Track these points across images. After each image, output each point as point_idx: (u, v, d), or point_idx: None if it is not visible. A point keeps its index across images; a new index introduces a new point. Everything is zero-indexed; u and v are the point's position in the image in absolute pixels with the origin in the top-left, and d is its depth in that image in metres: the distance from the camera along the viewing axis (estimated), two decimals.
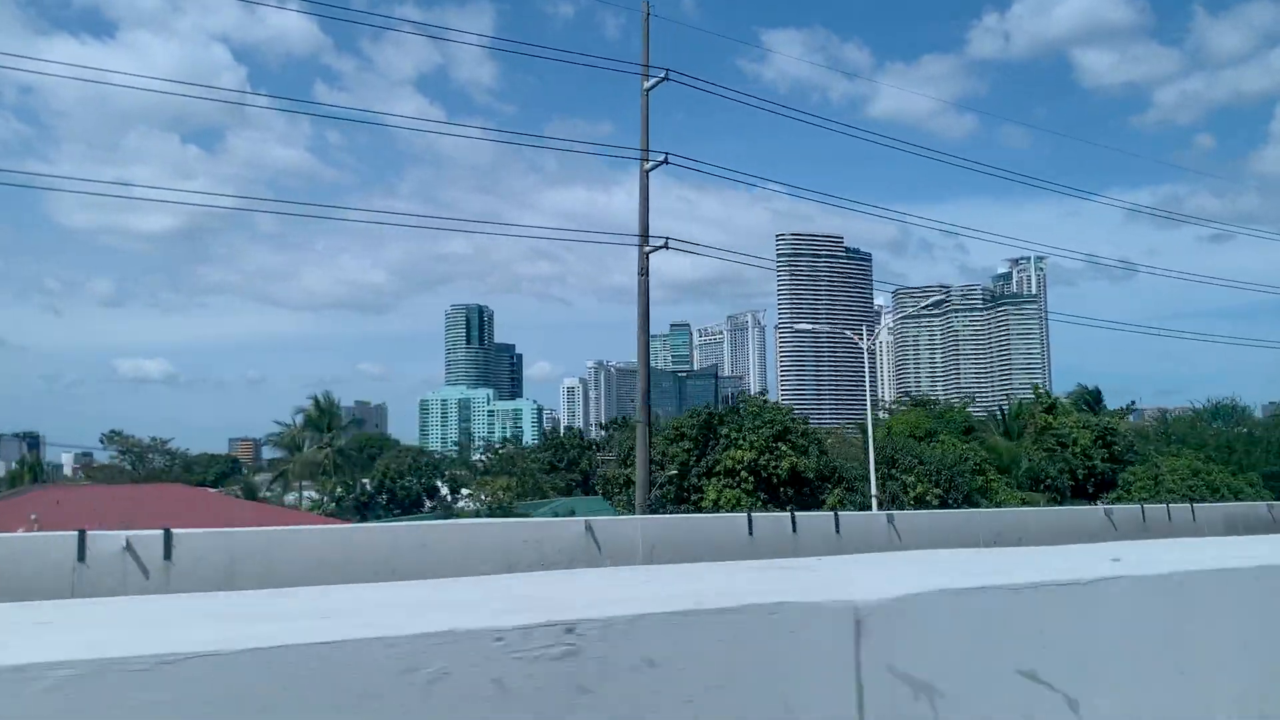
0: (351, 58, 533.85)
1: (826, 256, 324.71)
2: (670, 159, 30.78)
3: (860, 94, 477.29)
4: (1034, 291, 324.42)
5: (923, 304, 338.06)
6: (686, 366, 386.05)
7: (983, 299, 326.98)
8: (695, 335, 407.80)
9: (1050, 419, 45.70)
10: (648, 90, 29.69)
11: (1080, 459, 43.06)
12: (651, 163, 29.33)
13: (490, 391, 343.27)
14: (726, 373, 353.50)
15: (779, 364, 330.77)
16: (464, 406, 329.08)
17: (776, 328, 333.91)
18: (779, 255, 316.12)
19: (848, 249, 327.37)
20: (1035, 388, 55.61)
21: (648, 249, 28.67)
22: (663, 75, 29.94)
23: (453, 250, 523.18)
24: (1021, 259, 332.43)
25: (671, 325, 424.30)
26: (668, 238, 29.06)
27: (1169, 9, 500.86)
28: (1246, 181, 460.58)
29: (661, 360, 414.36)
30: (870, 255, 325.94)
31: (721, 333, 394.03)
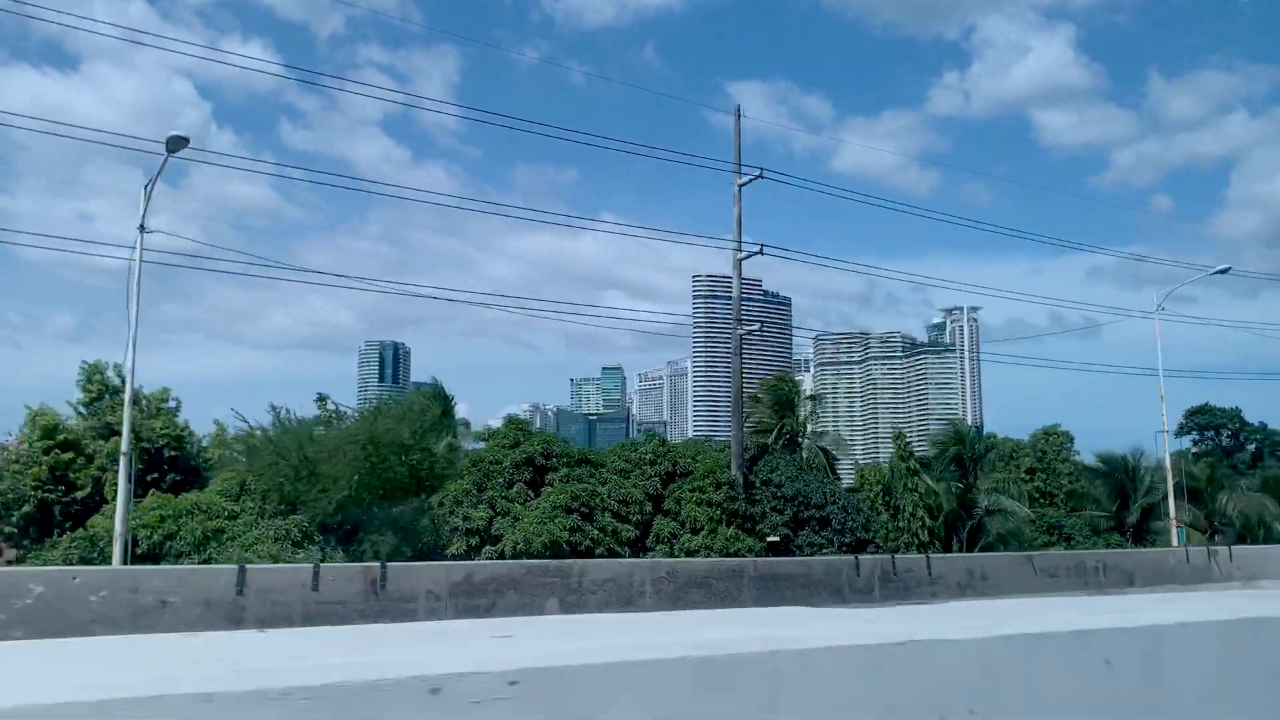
0: (316, 97, 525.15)
1: (744, 299, 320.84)
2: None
3: (824, 146, 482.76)
4: (968, 341, 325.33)
5: (843, 351, 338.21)
6: (615, 410, 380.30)
7: (902, 348, 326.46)
8: (636, 380, 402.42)
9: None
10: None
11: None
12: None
13: None
14: (663, 418, 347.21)
15: (691, 406, 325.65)
16: None
17: (690, 371, 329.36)
18: (695, 297, 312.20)
19: (766, 292, 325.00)
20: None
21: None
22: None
23: (421, 292, 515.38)
24: (955, 309, 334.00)
25: (604, 369, 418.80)
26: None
27: (1125, 74, 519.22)
28: (1204, 244, 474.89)
29: (592, 403, 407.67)
30: (790, 300, 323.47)
31: (661, 378, 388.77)
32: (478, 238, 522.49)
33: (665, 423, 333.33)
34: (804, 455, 39.84)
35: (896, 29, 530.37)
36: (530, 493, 26.37)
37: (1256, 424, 59.41)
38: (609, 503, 26.69)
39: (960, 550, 37.06)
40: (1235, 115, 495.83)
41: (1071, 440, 57.50)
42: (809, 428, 41.13)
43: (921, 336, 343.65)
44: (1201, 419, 60.39)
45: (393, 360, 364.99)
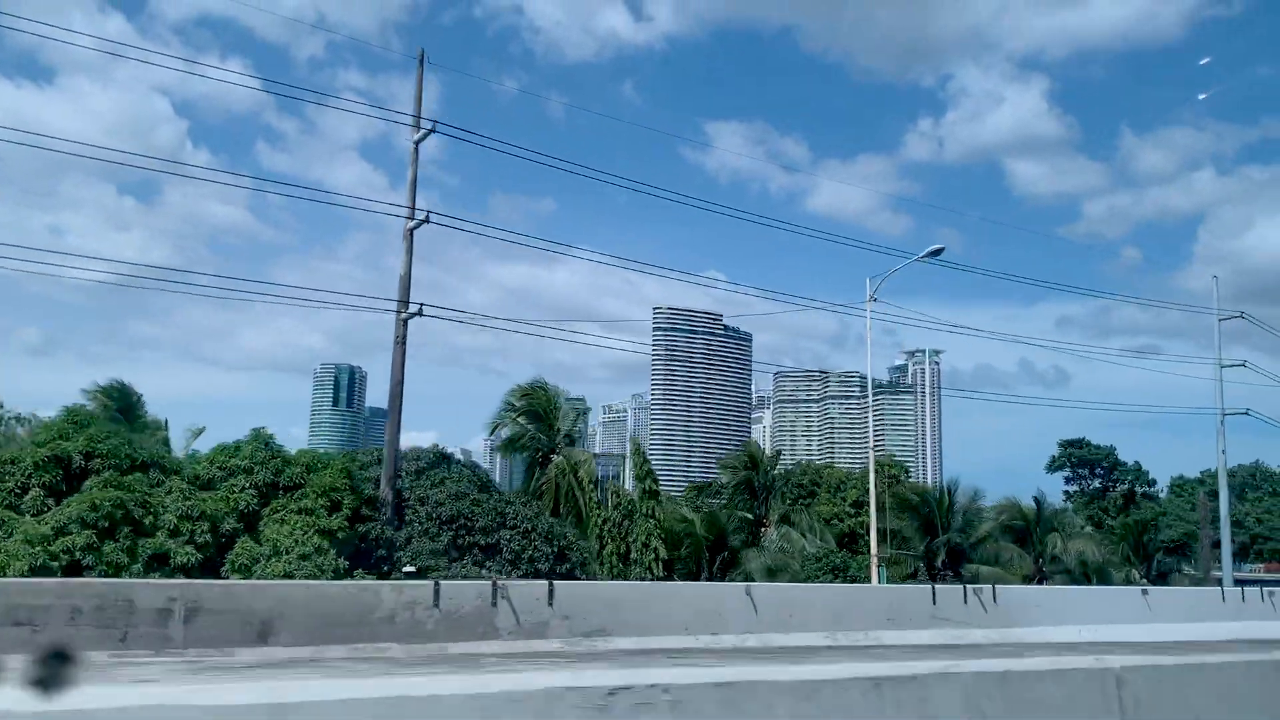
0: (294, 119, 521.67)
1: (704, 334, 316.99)
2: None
3: (800, 187, 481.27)
4: (929, 383, 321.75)
5: (802, 389, 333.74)
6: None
7: (860, 387, 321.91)
8: (600, 412, 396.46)
9: None
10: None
11: None
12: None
13: None
14: (624, 451, 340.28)
15: (648, 440, 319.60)
16: None
17: (649, 406, 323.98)
18: (655, 329, 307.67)
19: (727, 327, 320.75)
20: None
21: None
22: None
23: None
24: (917, 352, 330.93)
25: (565, 399, 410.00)
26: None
27: (1097, 126, 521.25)
28: (1172, 297, 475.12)
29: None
30: (750, 336, 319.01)
31: (625, 410, 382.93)
32: (454, 265, 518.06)
33: (624, 456, 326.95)
34: (552, 474, 34.62)
35: (874, 75, 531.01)
36: (50, 502, 20.95)
37: (1130, 464, 54.67)
38: (167, 519, 21.30)
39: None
40: (1204, 172, 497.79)
41: (908, 473, 52.46)
42: (567, 443, 35.94)
43: (884, 378, 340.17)
44: (1077, 453, 55.54)
45: (348, 384, 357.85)
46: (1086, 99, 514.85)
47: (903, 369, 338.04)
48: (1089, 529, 47.69)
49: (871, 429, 36.32)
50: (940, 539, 37.29)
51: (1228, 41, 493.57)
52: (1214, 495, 46.84)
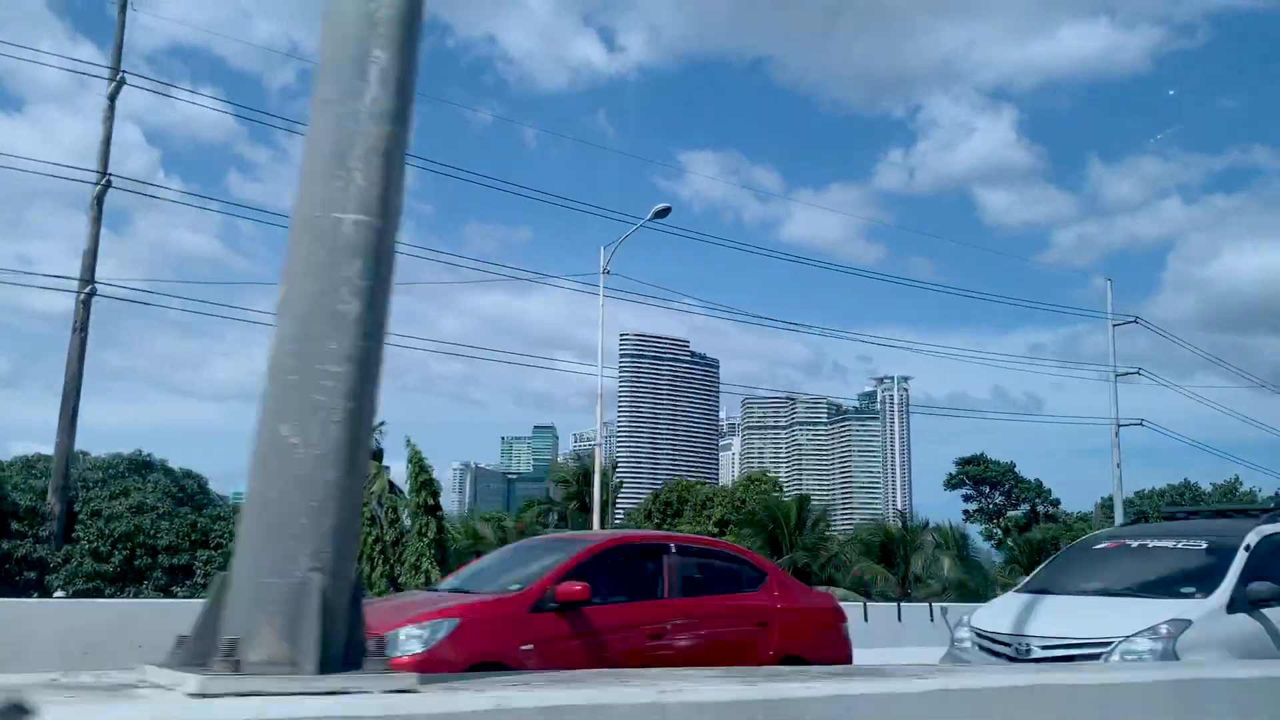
0: (266, 148, 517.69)
1: (670, 360, 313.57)
2: None
3: (773, 216, 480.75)
4: (898, 409, 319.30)
5: (770, 415, 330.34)
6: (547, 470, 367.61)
7: (828, 414, 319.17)
8: (571, 440, 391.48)
9: None
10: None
11: None
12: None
13: None
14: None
15: (615, 469, 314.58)
16: None
17: (616, 435, 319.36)
18: (622, 355, 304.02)
19: (693, 354, 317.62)
20: None
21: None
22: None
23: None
24: (886, 378, 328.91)
25: (535, 428, 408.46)
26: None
27: (1066, 156, 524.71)
28: (1142, 325, 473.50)
29: (523, 463, 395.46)
30: (717, 361, 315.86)
31: (595, 438, 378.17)
32: (429, 293, 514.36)
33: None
34: None
35: (845, 106, 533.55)
36: None
37: (1031, 481, 51.23)
38: None
39: None
40: (1170, 200, 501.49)
41: (780, 488, 48.94)
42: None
43: (854, 404, 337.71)
44: (974, 469, 52.10)
45: None
46: (1055, 129, 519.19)
47: (872, 395, 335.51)
48: (986, 548, 44.29)
49: (600, 427, 32.52)
50: (785, 558, 33.55)
51: (1192, 73, 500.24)
52: (1111, 510, 43.71)
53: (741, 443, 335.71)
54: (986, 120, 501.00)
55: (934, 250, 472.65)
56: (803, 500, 35.44)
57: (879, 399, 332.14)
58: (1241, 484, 63.12)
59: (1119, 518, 37.13)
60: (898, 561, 37.10)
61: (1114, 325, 35.86)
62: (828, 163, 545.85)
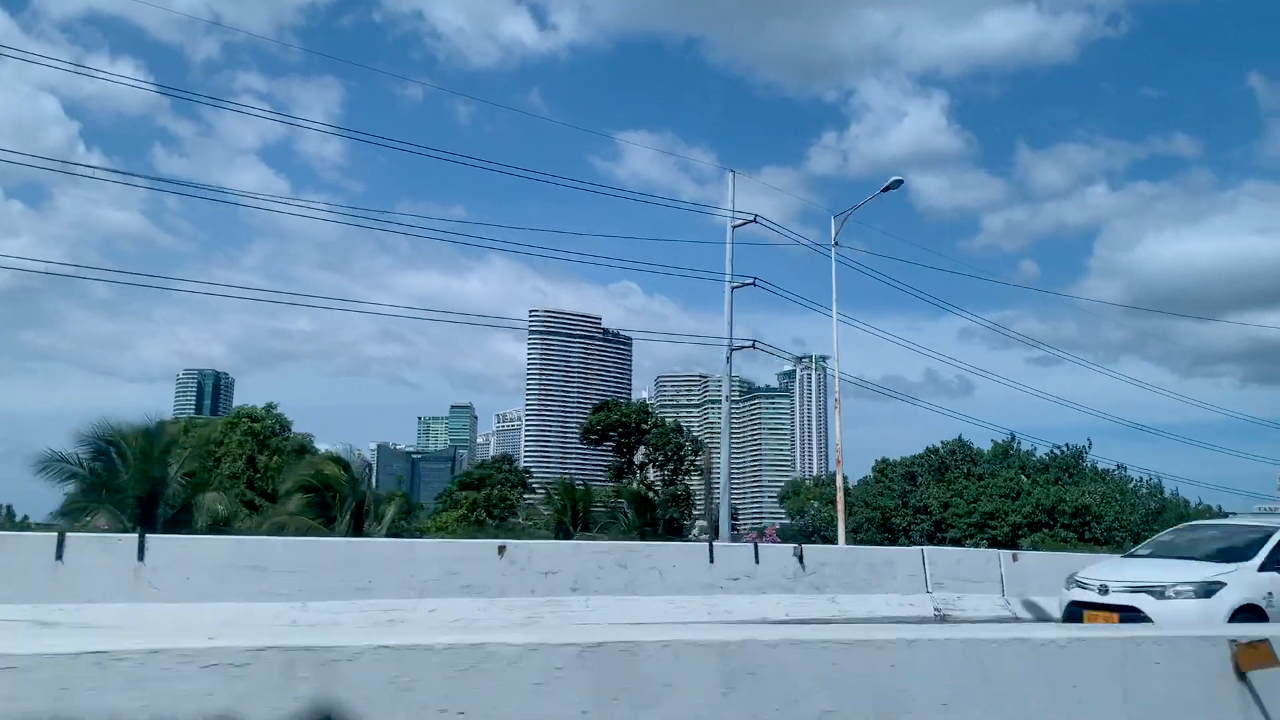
0: (191, 123, 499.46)
1: (582, 337, 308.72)
2: None
3: (709, 197, 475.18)
4: (815, 389, 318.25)
5: (683, 393, 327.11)
6: (465, 450, 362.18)
7: (740, 392, 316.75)
8: (494, 420, 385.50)
9: None
10: None
11: None
12: None
13: None
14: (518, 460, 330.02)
15: (524, 448, 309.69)
16: None
17: (526, 412, 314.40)
18: (530, 333, 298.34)
19: (606, 330, 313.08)
20: None
21: None
22: None
23: (298, 328, 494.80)
24: (806, 357, 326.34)
25: (452, 407, 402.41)
26: None
27: (995, 142, 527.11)
28: (1068, 310, 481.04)
29: (440, 442, 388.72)
30: (630, 340, 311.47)
31: (519, 418, 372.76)
32: (363, 274, 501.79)
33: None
34: None
35: (778, 89, 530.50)
36: None
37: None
38: None
39: None
40: (1097, 187, 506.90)
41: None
42: None
43: (775, 383, 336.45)
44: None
45: (211, 390, 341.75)
46: (984, 115, 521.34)
47: (791, 374, 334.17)
48: None
49: None
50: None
51: (1117, 62, 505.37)
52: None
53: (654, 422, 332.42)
54: (917, 106, 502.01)
55: (865, 232, 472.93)
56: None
57: (798, 377, 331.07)
58: None
59: (725, 400, 32.77)
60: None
61: (734, 225, 31.63)
62: (763, 145, 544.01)
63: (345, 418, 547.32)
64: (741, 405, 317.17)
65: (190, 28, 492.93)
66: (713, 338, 31.79)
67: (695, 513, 47.57)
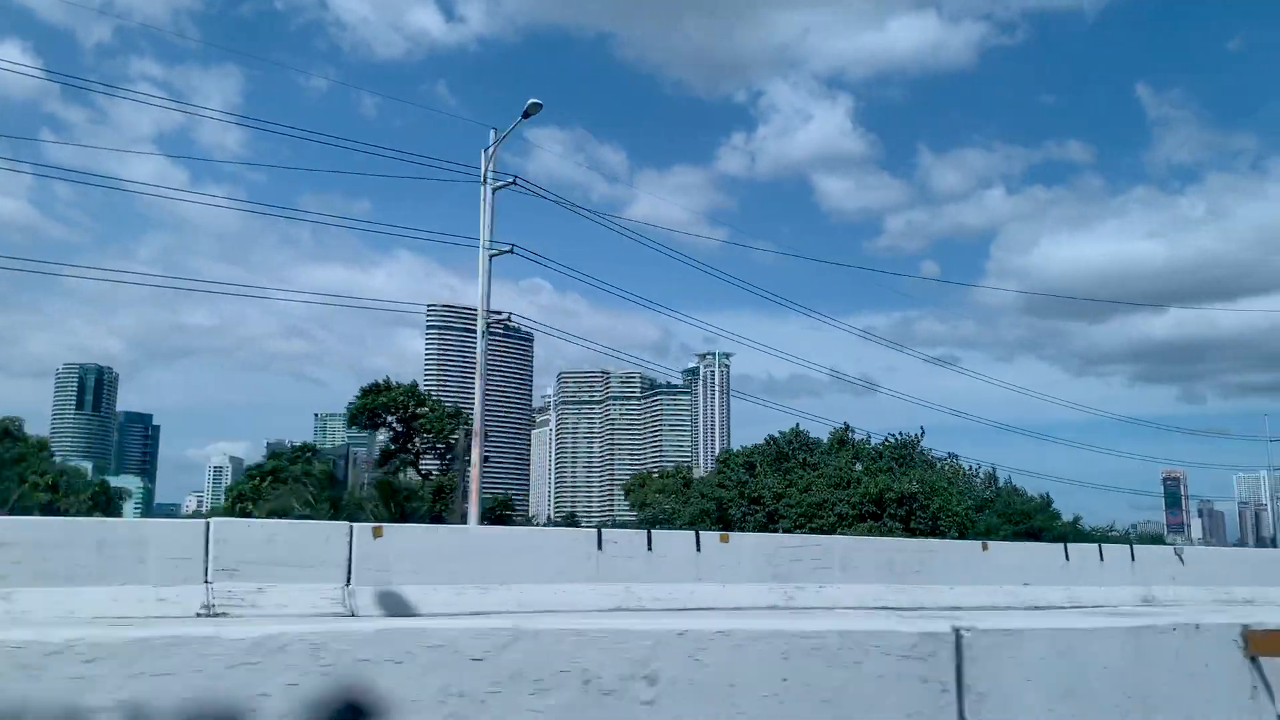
0: (82, 108, 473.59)
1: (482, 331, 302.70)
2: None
3: (619, 196, 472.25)
4: (718, 385, 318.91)
5: (585, 390, 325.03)
6: (364, 448, 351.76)
7: (641, 389, 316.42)
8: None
9: None
10: None
11: None
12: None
13: (90, 465, 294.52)
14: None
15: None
16: None
17: None
18: (428, 327, 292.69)
19: (508, 327, 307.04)
20: None
21: None
22: None
23: (196, 322, 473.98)
24: (708, 354, 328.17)
25: (347, 404, 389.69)
26: None
27: (897, 145, 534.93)
28: (968, 311, 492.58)
29: (339, 439, 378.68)
30: (532, 336, 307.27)
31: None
32: (264, 267, 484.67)
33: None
34: None
35: (686, 88, 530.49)
36: None
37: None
38: None
39: None
40: (994, 191, 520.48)
41: None
42: None
43: (678, 380, 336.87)
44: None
45: (94, 386, 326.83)
46: (887, 119, 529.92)
47: (694, 371, 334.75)
48: None
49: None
50: None
51: (1013, 69, 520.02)
52: None
53: (556, 418, 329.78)
54: (824, 108, 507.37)
55: (773, 232, 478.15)
56: None
57: (701, 374, 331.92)
58: None
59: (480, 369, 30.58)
60: None
61: (493, 188, 29.51)
62: (672, 143, 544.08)
63: (245, 414, 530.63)
64: (642, 402, 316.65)
65: (80, 11, 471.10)
66: (469, 310, 29.70)
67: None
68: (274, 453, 63.52)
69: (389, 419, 41.81)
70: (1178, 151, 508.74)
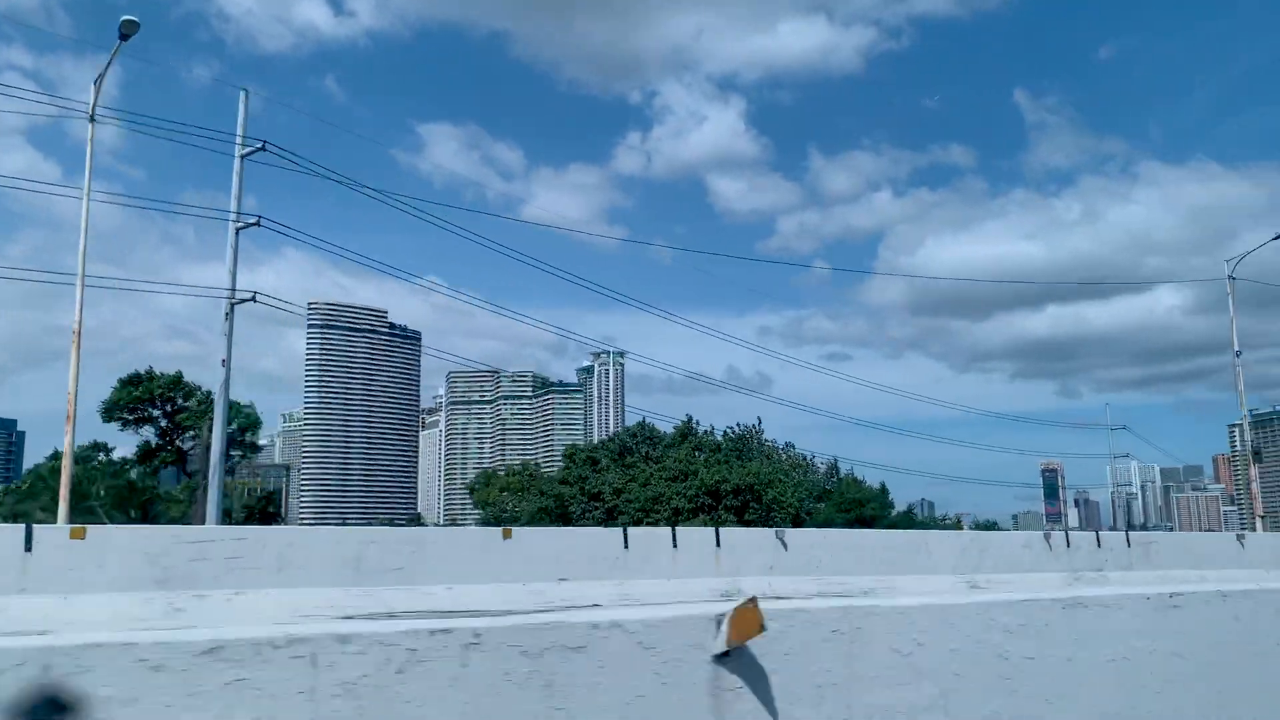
0: None
1: (367, 331, 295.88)
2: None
3: (516, 194, 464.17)
4: (613, 383, 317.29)
5: (475, 389, 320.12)
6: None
7: (532, 387, 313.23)
8: (279, 421, 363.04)
9: None
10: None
11: None
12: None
13: None
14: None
15: (301, 450, 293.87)
16: None
17: (306, 411, 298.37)
18: (310, 326, 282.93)
19: (393, 325, 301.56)
20: None
21: None
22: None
23: (71, 323, 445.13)
24: (603, 353, 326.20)
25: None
26: None
27: (789, 147, 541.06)
28: (857, 309, 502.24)
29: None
30: (420, 334, 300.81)
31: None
32: (145, 266, 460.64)
33: (290, 467, 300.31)
34: None
35: (583, 86, 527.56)
36: None
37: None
38: None
39: None
40: (882, 193, 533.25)
41: None
42: None
43: (573, 378, 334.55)
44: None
45: None
46: (778, 121, 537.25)
47: (589, 370, 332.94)
48: None
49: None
50: None
51: (899, 74, 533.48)
52: None
53: (446, 419, 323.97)
54: (717, 109, 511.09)
55: (669, 232, 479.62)
56: None
57: (596, 373, 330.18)
58: None
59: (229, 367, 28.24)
60: None
61: (242, 155, 27.17)
62: (568, 142, 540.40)
63: None
64: (534, 401, 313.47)
65: None
66: (216, 288, 26.67)
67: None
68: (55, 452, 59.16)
69: (153, 413, 38.68)
70: (1053, 155, 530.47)
